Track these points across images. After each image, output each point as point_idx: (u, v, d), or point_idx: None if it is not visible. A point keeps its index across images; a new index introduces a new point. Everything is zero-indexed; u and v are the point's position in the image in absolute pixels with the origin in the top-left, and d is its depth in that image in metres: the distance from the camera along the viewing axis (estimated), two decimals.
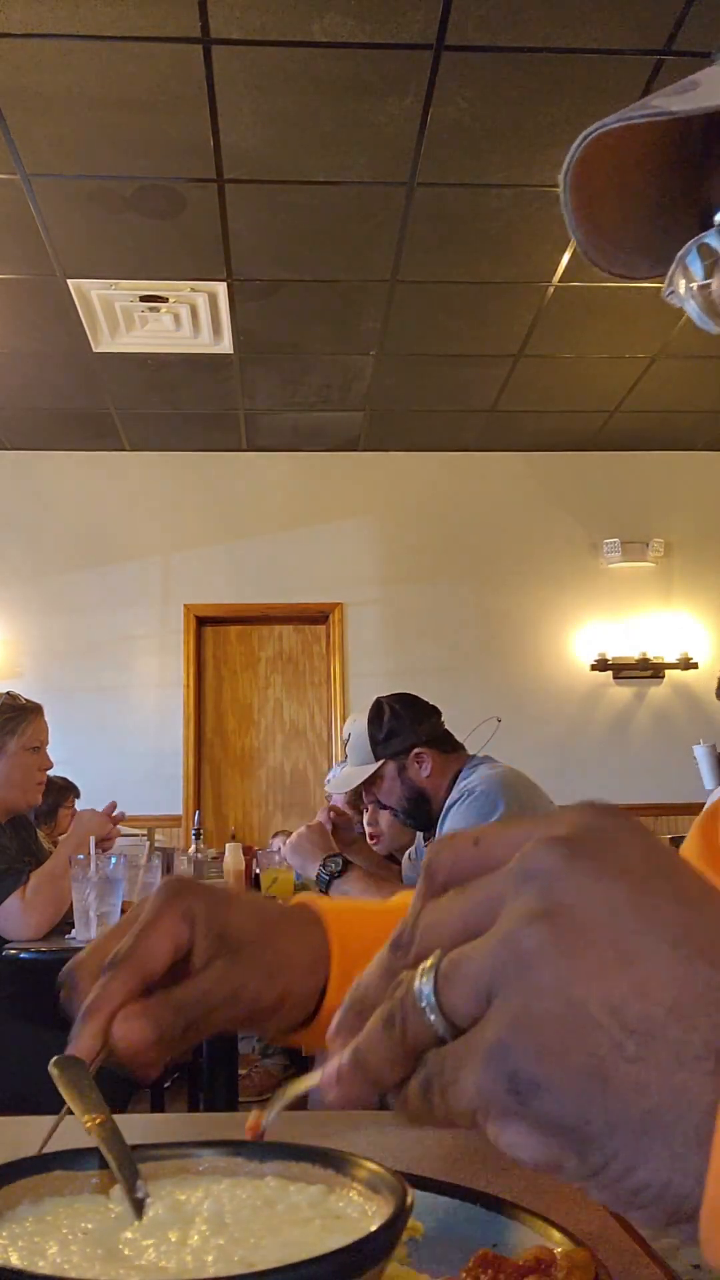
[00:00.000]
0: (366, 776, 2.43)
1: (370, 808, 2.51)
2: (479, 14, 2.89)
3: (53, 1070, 0.52)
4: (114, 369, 4.88)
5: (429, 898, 0.35)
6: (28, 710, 2.71)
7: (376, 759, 2.41)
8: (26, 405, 5.26)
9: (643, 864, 0.32)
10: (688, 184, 0.60)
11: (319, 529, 5.85)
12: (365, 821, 3.60)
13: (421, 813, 2.41)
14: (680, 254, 0.59)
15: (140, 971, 0.56)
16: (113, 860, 2.38)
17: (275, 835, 2.56)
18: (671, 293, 0.60)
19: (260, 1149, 0.45)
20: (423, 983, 0.32)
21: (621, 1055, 0.29)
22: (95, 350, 4.69)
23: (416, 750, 2.37)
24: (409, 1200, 0.38)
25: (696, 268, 0.59)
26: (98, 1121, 0.47)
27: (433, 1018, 0.32)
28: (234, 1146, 0.46)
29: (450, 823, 2.27)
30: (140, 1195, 0.42)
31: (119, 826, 2.71)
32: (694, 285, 0.59)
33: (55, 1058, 0.54)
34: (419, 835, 2.72)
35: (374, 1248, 0.35)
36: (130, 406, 5.31)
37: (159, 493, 5.83)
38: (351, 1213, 0.40)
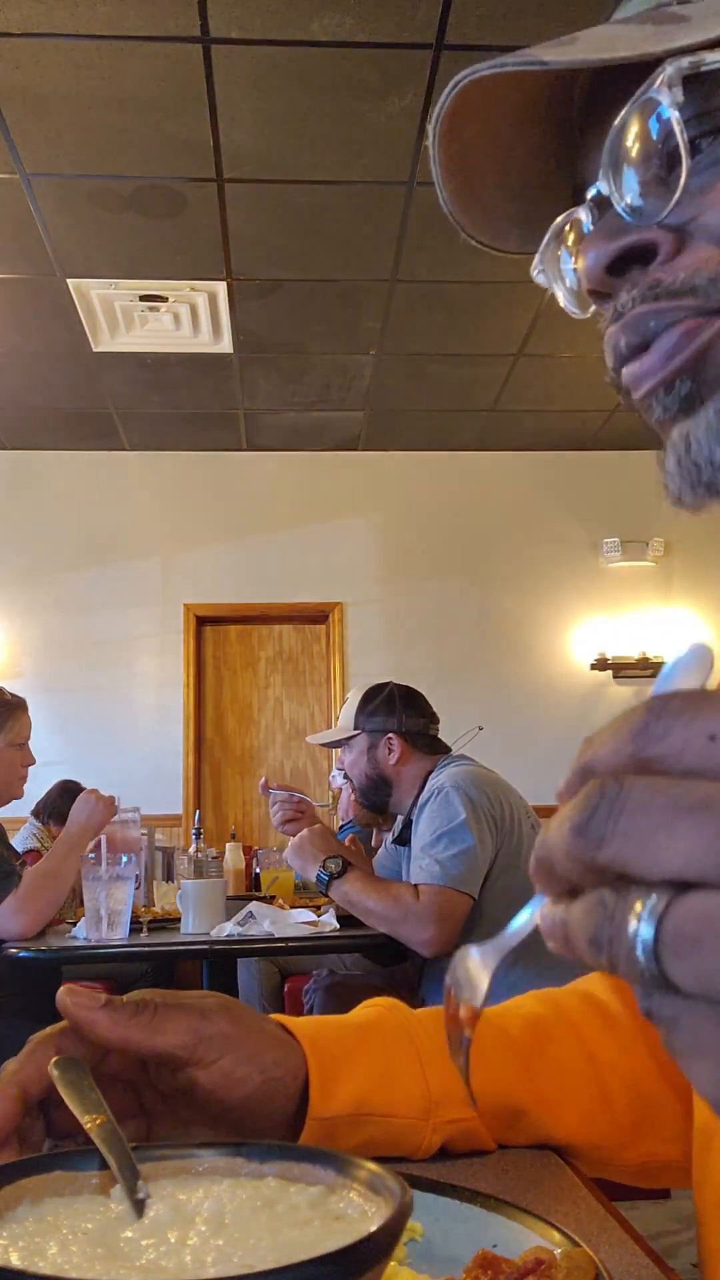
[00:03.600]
0: (339, 739, 2.58)
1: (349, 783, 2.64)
2: (479, 13, 2.89)
3: (53, 1071, 0.53)
4: (114, 369, 4.88)
5: (633, 769, 0.27)
6: (13, 706, 2.72)
7: (355, 728, 2.54)
8: (26, 405, 5.26)
9: None
10: (565, 151, 0.56)
11: (319, 529, 5.85)
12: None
13: (379, 796, 2.53)
14: (552, 229, 0.55)
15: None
16: (124, 859, 2.38)
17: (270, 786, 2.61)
18: (540, 271, 0.57)
19: (261, 1149, 0.45)
20: (640, 926, 0.26)
21: None
22: (95, 350, 4.69)
23: (390, 735, 2.48)
24: (408, 1201, 0.38)
25: (563, 248, 0.55)
26: (98, 1122, 0.47)
27: (646, 969, 0.26)
28: (234, 1147, 0.46)
29: (421, 822, 2.31)
30: (140, 1195, 0.42)
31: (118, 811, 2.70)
32: (563, 265, 0.56)
33: (56, 1058, 0.54)
34: (386, 839, 2.77)
35: (373, 1248, 0.35)
36: (130, 406, 5.31)
37: (159, 493, 5.83)
38: (351, 1213, 0.40)
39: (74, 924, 2.57)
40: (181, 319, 4.49)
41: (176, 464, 5.86)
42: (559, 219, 0.55)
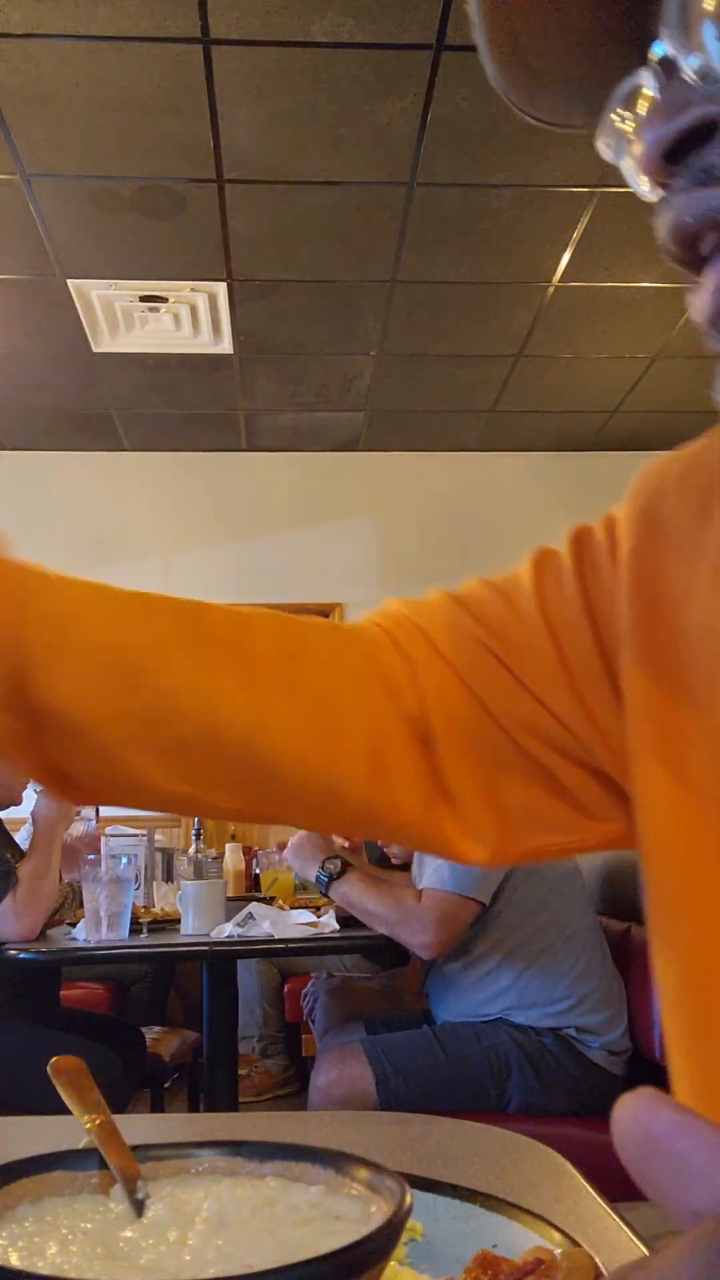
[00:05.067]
0: None
1: None
2: None
3: (52, 1070, 0.53)
4: (114, 369, 4.88)
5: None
6: None
7: None
8: (26, 405, 5.26)
9: None
10: (632, 5, 0.45)
11: (319, 529, 5.86)
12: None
13: None
14: (613, 97, 0.45)
15: None
16: (123, 860, 2.38)
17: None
18: (607, 145, 0.47)
19: (260, 1149, 0.45)
20: None
21: None
22: (95, 350, 4.69)
23: None
24: (408, 1200, 0.38)
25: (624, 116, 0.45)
26: (97, 1122, 0.47)
27: None
28: (234, 1147, 0.46)
29: None
30: (140, 1195, 0.42)
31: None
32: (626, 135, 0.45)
33: (55, 1058, 0.54)
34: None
35: (373, 1248, 0.35)
36: (130, 406, 5.31)
37: (159, 493, 5.83)
38: (351, 1213, 0.40)
39: (74, 925, 2.57)
40: (182, 320, 4.49)
41: (176, 464, 5.85)
42: (620, 85, 0.45)
